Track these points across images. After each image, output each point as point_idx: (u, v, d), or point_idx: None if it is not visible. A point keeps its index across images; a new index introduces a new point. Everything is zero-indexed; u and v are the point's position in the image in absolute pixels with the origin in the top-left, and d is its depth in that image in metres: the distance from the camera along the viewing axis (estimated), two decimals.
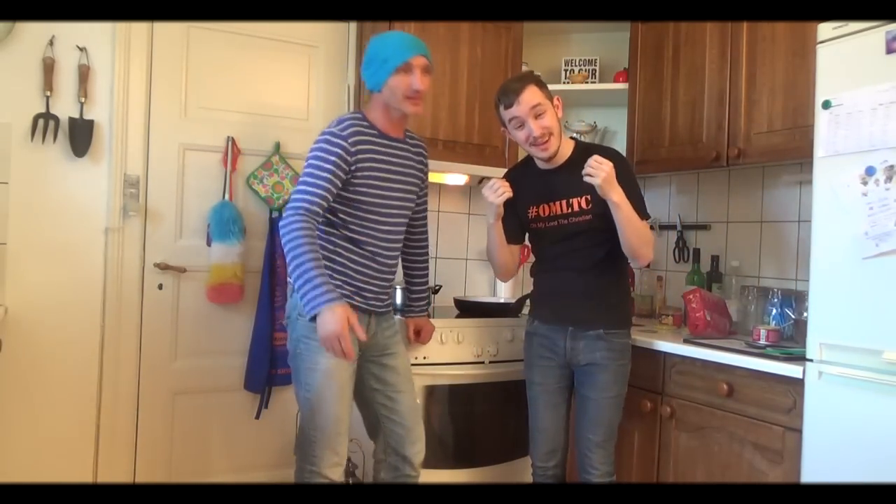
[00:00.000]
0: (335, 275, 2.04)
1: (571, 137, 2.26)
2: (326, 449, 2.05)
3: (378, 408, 2.20)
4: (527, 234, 2.30)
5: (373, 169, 2.01)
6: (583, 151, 2.14)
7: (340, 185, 1.96)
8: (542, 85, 2.08)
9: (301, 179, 1.93)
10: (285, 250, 1.87)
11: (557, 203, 2.14)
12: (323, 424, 2.05)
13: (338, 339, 1.82)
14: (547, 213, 2.16)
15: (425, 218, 2.37)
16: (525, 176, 2.23)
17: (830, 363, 1.80)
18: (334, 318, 1.81)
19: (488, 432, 2.68)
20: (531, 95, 2.02)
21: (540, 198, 2.17)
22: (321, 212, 1.93)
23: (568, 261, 2.16)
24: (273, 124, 2.92)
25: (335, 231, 2.06)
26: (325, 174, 1.91)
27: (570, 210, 2.12)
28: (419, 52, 1.99)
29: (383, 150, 2.05)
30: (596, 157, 1.96)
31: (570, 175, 2.10)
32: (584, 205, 2.10)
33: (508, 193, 2.07)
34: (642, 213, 2.10)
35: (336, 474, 2.07)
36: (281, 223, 1.89)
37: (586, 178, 1.95)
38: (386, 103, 2.03)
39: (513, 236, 2.25)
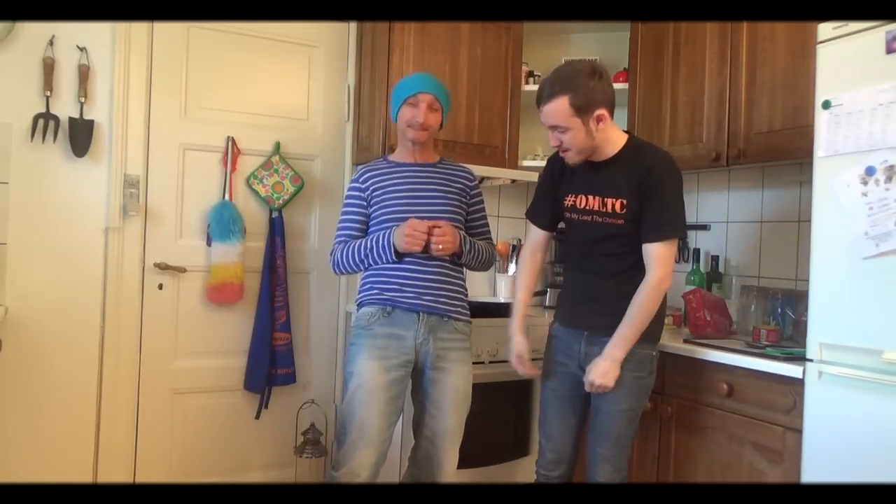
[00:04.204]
0: (378, 280, 2.16)
1: (625, 131, 2.07)
2: (347, 457, 2.07)
3: (419, 417, 2.22)
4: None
5: (387, 191, 2.20)
6: (634, 151, 2.00)
7: (366, 214, 2.23)
8: (578, 97, 1.87)
9: None
10: (350, 268, 2.20)
11: (595, 198, 2.02)
12: (348, 429, 2.08)
13: (412, 231, 2.04)
14: (583, 206, 2.05)
15: (481, 227, 2.34)
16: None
17: (830, 363, 1.80)
18: (398, 229, 2.08)
19: (488, 432, 2.68)
20: (554, 112, 1.90)
21: (580, 188, 2.05)
22: (350, 237, 2.23)
23: (593, 264, 2.06)
24: (273, 124, 2.92)
25: None
26: (346, 211, 2.26)
27: (604, 209, 2.00)
28: (426, 90, 2.17)
29: (398, 175, 2.23)
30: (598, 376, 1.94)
31: (612, 173, 1.99)
32: (618, 208, 1.97)
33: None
34: (671, 231, 1.94)
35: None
36: (335, 270, 2.24)
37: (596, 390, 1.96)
38: (400, 132, 2.24)
39: (545, 221, 2.18)
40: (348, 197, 2.27)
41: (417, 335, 2.12)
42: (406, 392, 2.18)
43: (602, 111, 1.91)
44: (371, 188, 2.21)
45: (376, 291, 2.15)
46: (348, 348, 2.20)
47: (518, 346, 2.13)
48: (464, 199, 2.26)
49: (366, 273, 2.22)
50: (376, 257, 2.13)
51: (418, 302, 2.12)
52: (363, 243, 2.16)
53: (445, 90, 2.23)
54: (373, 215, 2.21)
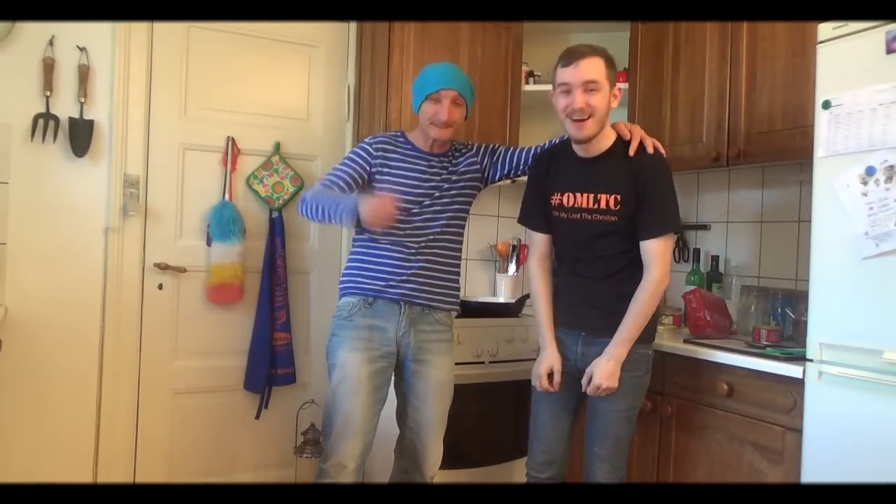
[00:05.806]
0: (365, 268, 2.16)
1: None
2: (334, 448, 2.08)
3: (402, 409, 2.22)
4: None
5: (395, 168, 2.17)
6: (626, 147, 1.98)
7: (363, 178, 2.16)
8: (612, 65, 1.94)
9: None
10: (312, 214, 2.07)
11: (585, 195, 1.97)
12: (333, 420, 2.09)
13: (381, 206, 1.93)
14: (571, 204, 2.00)
15: (509, 149, 2.33)
16: (558, 158, 2.08)
17: (830, 363, 1.80)
18: (370, 201, 1.96)
19: (487, 432, 2.68)
20: (593, 67, 1.89)
21: (567, 185, 2.01)
22: (335, 186, 2.12)
23: (587, 269, 2.03)
24: (273, 124, 2.92)
25: (364, 231, 2.15)
26: (345, 164, 2.19)
27: (596, 206, 1.96)
28: (451, 86, 2.13)
29: (411, 158, 2.20)
30: (602, 379, 1.92)
31: (604, 168, 1.97)
32: (612, 204, 1.93)
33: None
34: (669, 226, 1.95)
35: (341, 475, 2.08)
36: (300, 207, 2.11)
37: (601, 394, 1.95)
38: (420, 124, 2.21)
39: (542, 223, 2.11)
40: (354, 154, 2.21)
41: (399, 328, 2.12)
42: (390, 380, 2.18)
43: (618, 89, 1.97)
44: (380, 160, 2.17)
45: (361, 280, 2.16)
46: (329, 339, 2.18)
47: (550, 358, 2.03)
48: (476, 181, 2.28)
49: (350, 263, 2.22)
50: (338, 215, 2.01)
51: (399, 290, 2.12)
52: (333, 196, 2.06)
53: (469, 83, 2.21)
54: (372, 183, 2.17)
